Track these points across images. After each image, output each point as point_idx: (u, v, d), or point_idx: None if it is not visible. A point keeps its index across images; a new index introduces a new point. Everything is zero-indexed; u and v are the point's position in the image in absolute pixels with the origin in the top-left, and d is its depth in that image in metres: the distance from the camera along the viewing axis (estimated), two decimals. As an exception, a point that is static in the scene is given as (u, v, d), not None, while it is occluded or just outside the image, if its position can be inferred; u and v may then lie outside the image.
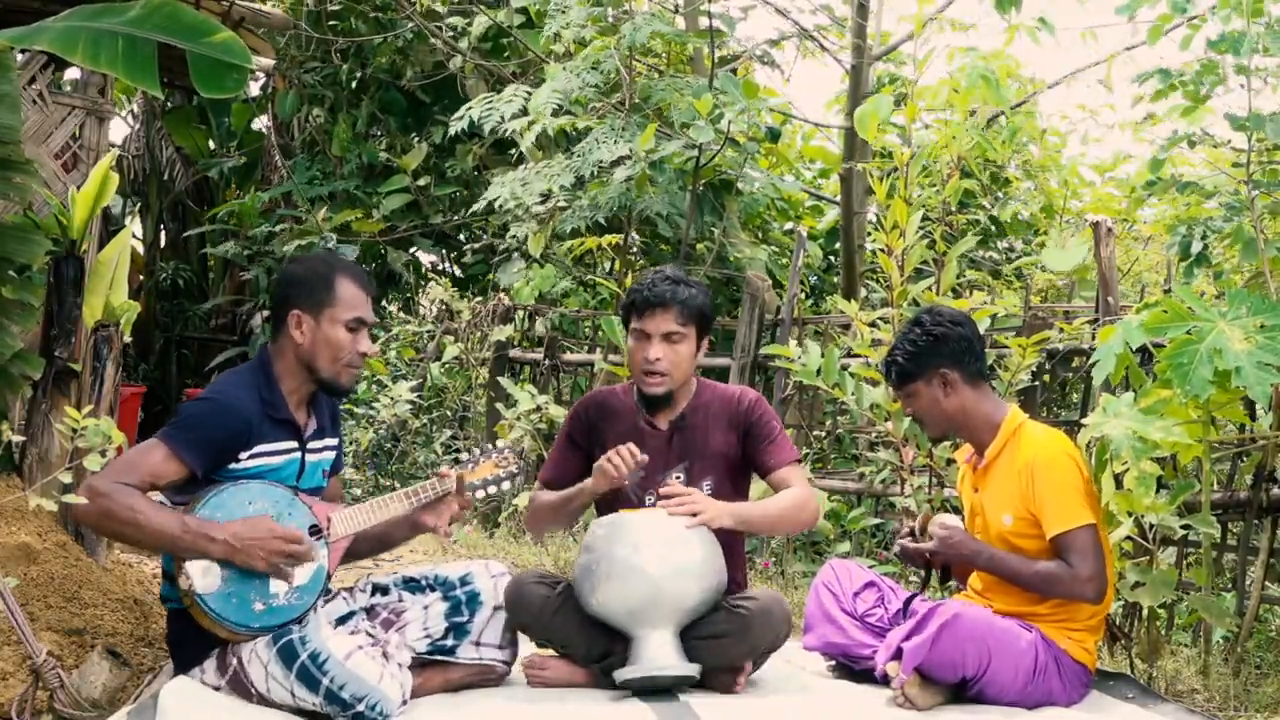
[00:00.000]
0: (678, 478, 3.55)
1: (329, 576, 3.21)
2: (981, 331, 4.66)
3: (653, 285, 3.53)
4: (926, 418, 3.54)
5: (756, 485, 3.78)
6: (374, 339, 3.39)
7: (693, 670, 3.26)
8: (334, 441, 3.45)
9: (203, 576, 3.03)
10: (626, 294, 3.66)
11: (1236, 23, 3.93)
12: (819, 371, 4.92)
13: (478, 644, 3.36)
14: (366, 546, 3.45)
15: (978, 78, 4.62)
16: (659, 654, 3.25)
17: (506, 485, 3.50)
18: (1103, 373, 3.51)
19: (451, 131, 8.34)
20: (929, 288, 4.95)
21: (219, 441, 3.10)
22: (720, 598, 3.38)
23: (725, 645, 3.34)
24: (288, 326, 3.24)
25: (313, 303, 3.23)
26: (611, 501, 3.52)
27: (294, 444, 3.26)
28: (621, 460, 3.36)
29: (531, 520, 3.71)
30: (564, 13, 7.81)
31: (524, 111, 7.57)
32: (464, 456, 3.49)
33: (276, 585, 3.09)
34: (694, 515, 3.31)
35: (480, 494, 3.46)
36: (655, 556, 3.24)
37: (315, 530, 3.18)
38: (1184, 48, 4.24)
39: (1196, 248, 4.70)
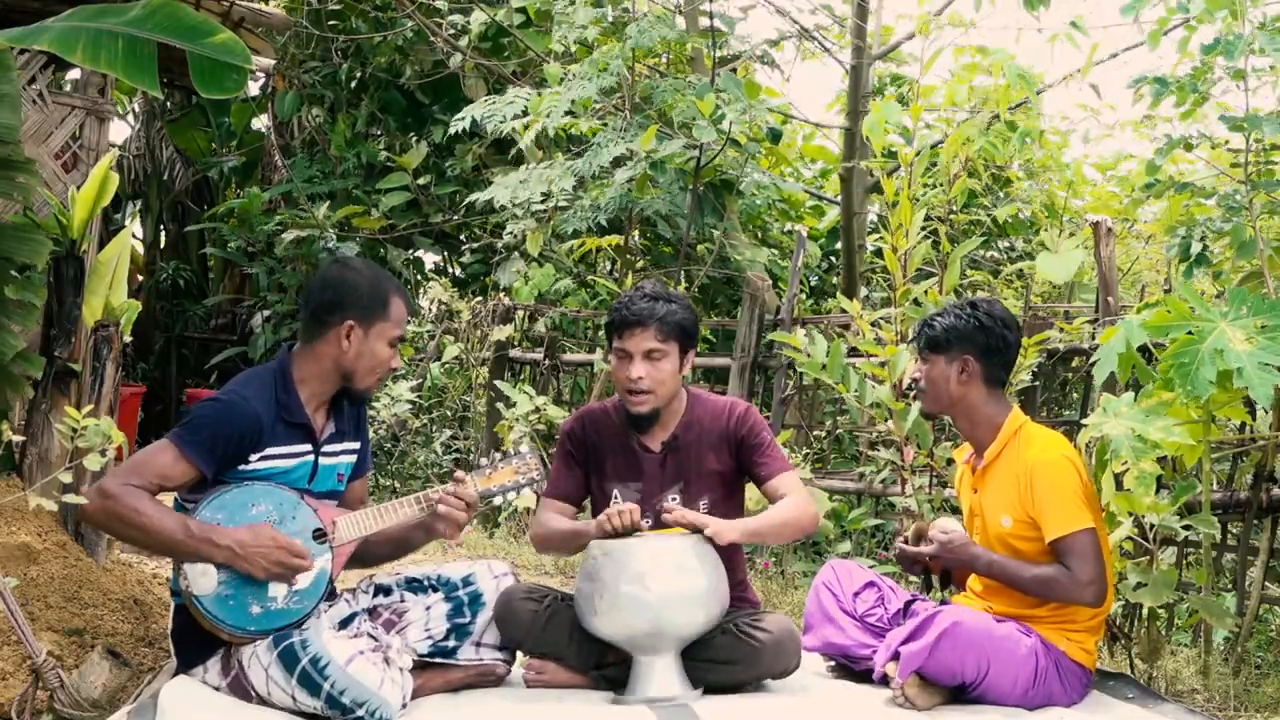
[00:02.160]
0: (674, 499, 3.54)
1: (332, 580, 3.20)
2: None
3: (631, 303, 3.50)
4: (930, 389, 3.54)
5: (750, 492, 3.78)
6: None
7: (694, 696, 3.26)
8: (355, 445, 3.41)
9: (200, 578, 3.03)
10: (608, 312, 3.63)
11: (1243, 25, 3.94)
12: (824, 366, 4.92)
13: (478, 645, 3.37)
14: (385, 550, 3.45)
15: (1015, 76, 4.62)
16: (662, 681, 3.24)
17: (527, 491, 3.45)
18: (1104, 372, 3.51)
19: (452, 130, 8.33)
20: (933, 287, 4.95)
21: (228, 443, 3.09)
22: (723, 620, 3.37)
23: (733, 671, 3.34)
24: (335, 333, 3.21)
25: (368, 316, 3.22)
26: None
27: (307, 447, 3.24)
28: (622, 523, 3.33)
29: (539, 545, 3.69)
30: (571, 8, 7.79)
31: (525, 113, 7.56)
32: (483, 462, 3.44)
33: (275, 589, 3.08)
34: (703, 528, 3.30)
35: (498, 500, 3.43)
36: (660, 588, 3.21)
37: (320, 534, 3.17)
38: (1181, 49, 4.24)
39: (1196, 248, 4.70)
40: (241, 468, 3.13)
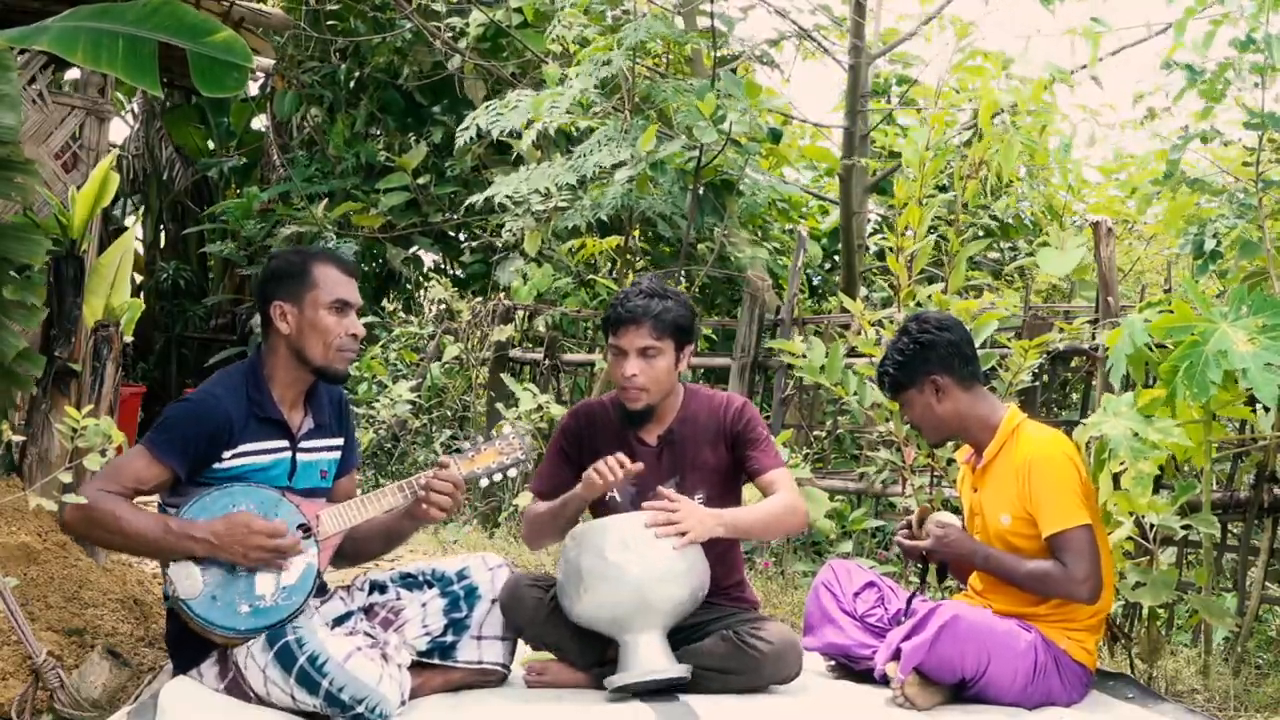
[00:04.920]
0: None
1: (319, 574, 3.19)
2: (986, 334, 4.69)
3: (626, 300, 3.48)
4: (922, 424, 3.56)
5: (749, 492, 3.77)
6: (374, 329, 3.37)
7: (684, 671, 3.24)
8: (338, 440, 3.38)
9: (184, 582, 3.02)
10: (606, 308, 3.63)
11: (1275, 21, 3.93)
12: (823, 369, 4.92)
13: (478, 638, 3.35)
14: (377, 544, 3.42)
15: (1054, 71, 4.62)
16: (648, 658, 3.22)
17: (513, 472, 3.40)
18: (1117, 375, 3.52)
19: (459, 142, 8.32)
20: (937, 289, 4.95)
21: (197, 442, 3.08)
22: (723, 623, 3.36)
23: (732, 681, 3.32)
24: (273, 321, 3.22)
25: (293, 291, 3.21)
26: (604, 516, 3.48)
27: (283, 443, 3.22)
28: (609, 470, 3.31)
29: (528, 534, 3.65)
30: (565, 10, 7.80)
31: (530, 122, 7.55)
32: (465, 445, 3.41)
33: (263, 587, 3.06)
34: (681, 535, 3.24)
35: (484, 482, 3.39)
36: (632, 562, 3.19)
37: (304, 529, 3.16)
38: (1205, 45, 4.22)
39: (1209, 245, 4.69)
40: (216, 466, 3.11)
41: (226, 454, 3.12)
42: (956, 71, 5.29)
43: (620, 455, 3.36)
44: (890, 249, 5.01)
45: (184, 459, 3.07)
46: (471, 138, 8.11)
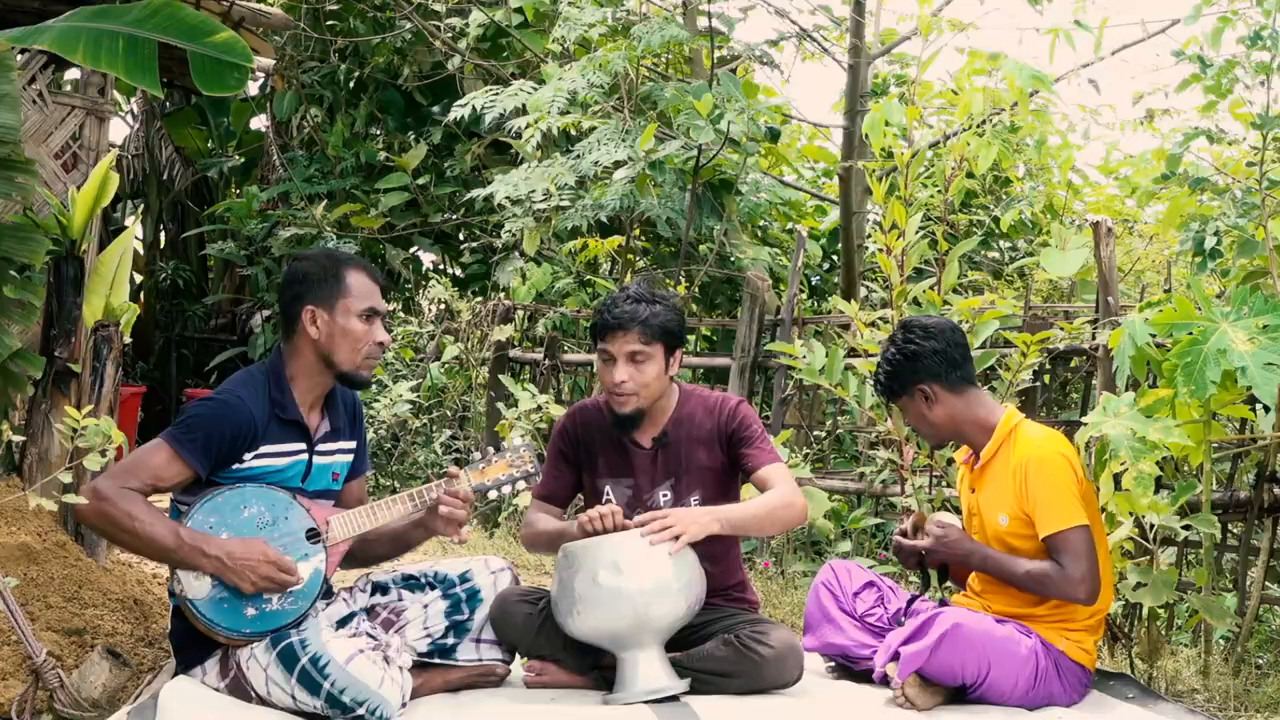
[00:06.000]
0: (665, 495, 3.53)
1: (326, 580, 3.20)
2: (987, 334, 4.69)
3: (614, 305, 3.47)
4: (918, 428, 3.62)
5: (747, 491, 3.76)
6: (388, 330, 3.37)
7: (682, 686, 3.24)
8: (351, 444, 3.40)
9: (194, 582, 3.03)
10: (594, 313, 3.63)
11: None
12: (822, 370, 4.92)
13: (478, 641, 3.36)
14: (385, 548, 3.44)
15: (1029, 77, 4.62)
16: (647, 674, 3.22)
17: (521, 485, 3.42)
18: (1122, 377, 3.52)
19: (451, 117, 8.27)
20: (930, 288, 4.95)
21: (222, 442, 3.09)
22: (724, 626, 3.36)
23: (732, 684, 3.32)
24: (302, 323, 3.21)
25: (325, 296, 3.21)
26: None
27: (301, 445, 3.23)
28: (601, 521, 3.30)
29: (528, 546, 3.69)
30: (579, 11, 7.78)
31: (524, 109, 7.55)
32: (475, 456, 3.41)
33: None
34: (676, 538, 3.23)
35: (493, 494, 3.40)
36: (625, 584, 3.18)
37: (313, 533, 3.17)
38: (1214, 42, 4.21)
39: (1210, 243, 4.68)
40: (236, 466, 3.12)
41: (248, 455, 3.13)
42: (925, 69, 5.27)
43: (614, 507, 3.35)
44: (879, 249, 5.00)
45: (206, 459, 3.08)
46: (465, 130, 8.07)
